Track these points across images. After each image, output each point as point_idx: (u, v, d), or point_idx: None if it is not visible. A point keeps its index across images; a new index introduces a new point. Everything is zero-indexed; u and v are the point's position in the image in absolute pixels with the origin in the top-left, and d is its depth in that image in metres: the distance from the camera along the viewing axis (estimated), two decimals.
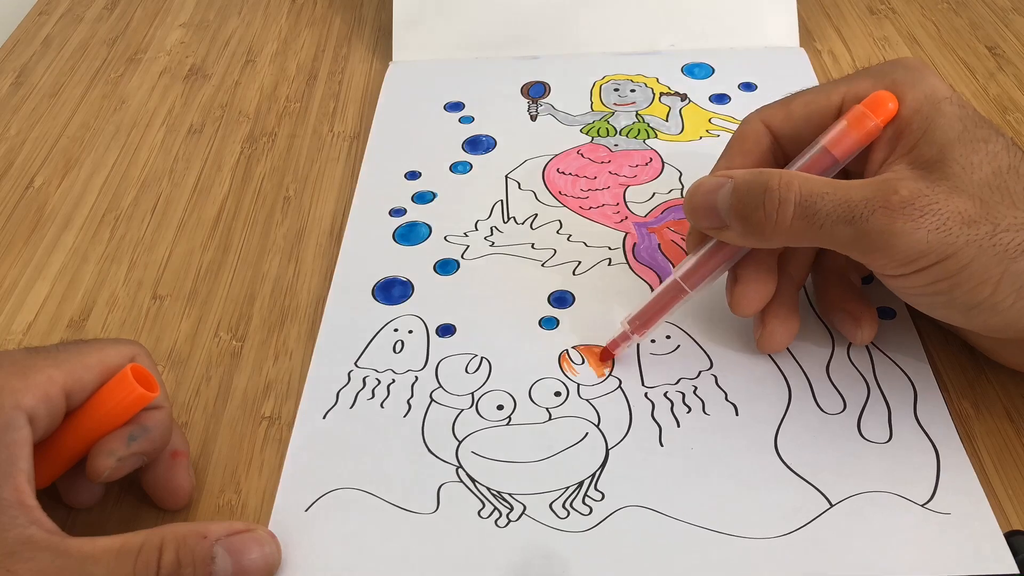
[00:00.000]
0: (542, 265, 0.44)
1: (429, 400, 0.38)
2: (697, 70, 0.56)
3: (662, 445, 0.36)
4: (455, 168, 0.50)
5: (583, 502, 0.34)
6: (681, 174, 0.49)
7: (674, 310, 0.38)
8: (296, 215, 0.48)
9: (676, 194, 0.48)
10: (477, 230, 0.46)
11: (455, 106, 0.54)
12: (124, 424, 0.33)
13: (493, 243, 0.45)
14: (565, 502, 0.34)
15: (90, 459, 0.32)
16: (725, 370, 0.39)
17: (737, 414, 0.37)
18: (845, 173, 0.36)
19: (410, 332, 0.41)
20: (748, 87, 0.54)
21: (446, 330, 0.41)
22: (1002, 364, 0.38)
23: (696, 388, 0.38)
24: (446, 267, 0.44)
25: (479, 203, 0.48)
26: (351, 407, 0.38)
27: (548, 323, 0.41)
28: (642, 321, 0.38)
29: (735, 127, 0.51)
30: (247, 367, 0.41)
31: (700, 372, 0.39)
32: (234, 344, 0.42)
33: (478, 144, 0.52)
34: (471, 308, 0.42)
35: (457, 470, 0.36)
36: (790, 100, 0.38)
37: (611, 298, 0.42)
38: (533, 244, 0.45)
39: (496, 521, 0.34)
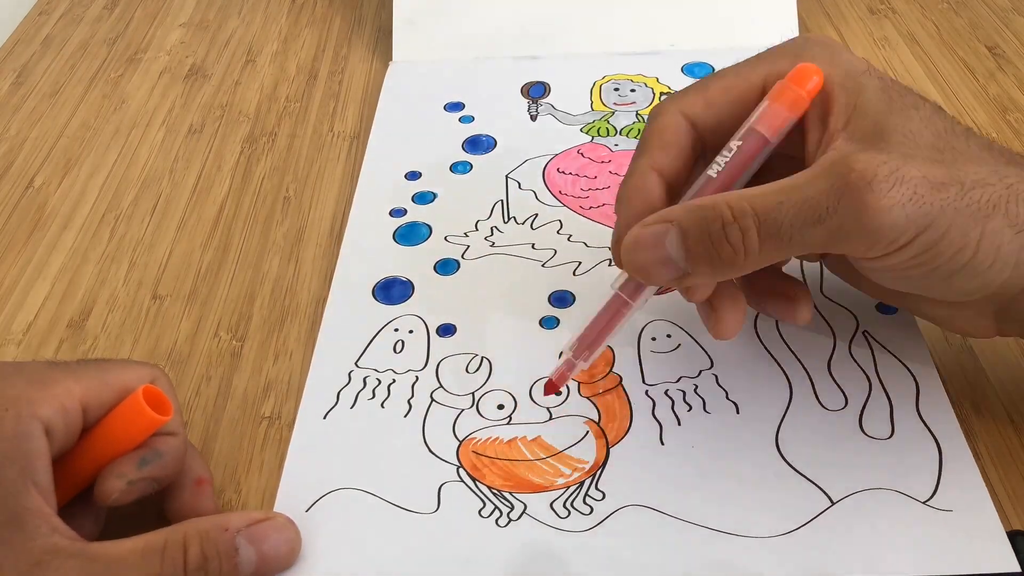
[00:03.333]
0: (542, 265, 0.44)
1: (430, 400, 0.38)
2: (697, 70, 0.56)
3: (663, 444, 0.36)
4: (455, 168, 0.50)
5: (584, 501, 0.34)
6: None
7: (619, 328, 0.34)
8: (296, 215, 0.48)
9: None
10: (477, 230, 0.46)
11: (455, 106, 0.54)
12: (137, 447, 0.32)
13: (493, 243, 0.45)
14: (566, 502, 0.34)
15: (99, 481, 0.32)
16: (726, 368, 0.39)
17: (738, 412, 0.37)
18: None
19: (410, 332, 0.41)
20: None
21: (446, 330, 0.41)
22: (953, 331, 0.36)
23: (697, 386, 0.38)
24: (446, 267, 0.44)
25: (479, 203, 0.48)
26: (351, 407, 0.38)
27: (548, 323, 0.41)
28: (586, 344, 0.34)
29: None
30: (247, 367, 0.41)
31: (701, 371, 0.39)
32: (234, 344, 0.42)
33: (478, 144, 0.52)
34: (471, 308, 0.42)
35: (458, 470, 0.36)
36: (705, 86, 0.35)
37: None
38: (533, 244, 0.45)
39: (497, 521, 0.34)
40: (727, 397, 0.38)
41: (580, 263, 0.44)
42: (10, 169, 0.53)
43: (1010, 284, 0.31)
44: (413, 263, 0.44)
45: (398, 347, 0.40)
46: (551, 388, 0.35)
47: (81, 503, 0.33)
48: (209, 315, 0.43)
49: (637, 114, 0.53)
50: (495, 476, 0.35)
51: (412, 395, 0.38)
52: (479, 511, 0.34)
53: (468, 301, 0.42)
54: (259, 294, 0.44)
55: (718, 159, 0.33)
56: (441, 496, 0.35)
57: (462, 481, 0.35)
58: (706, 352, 0.39)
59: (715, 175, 0.33)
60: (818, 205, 0.30)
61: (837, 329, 0.40)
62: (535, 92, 0.55)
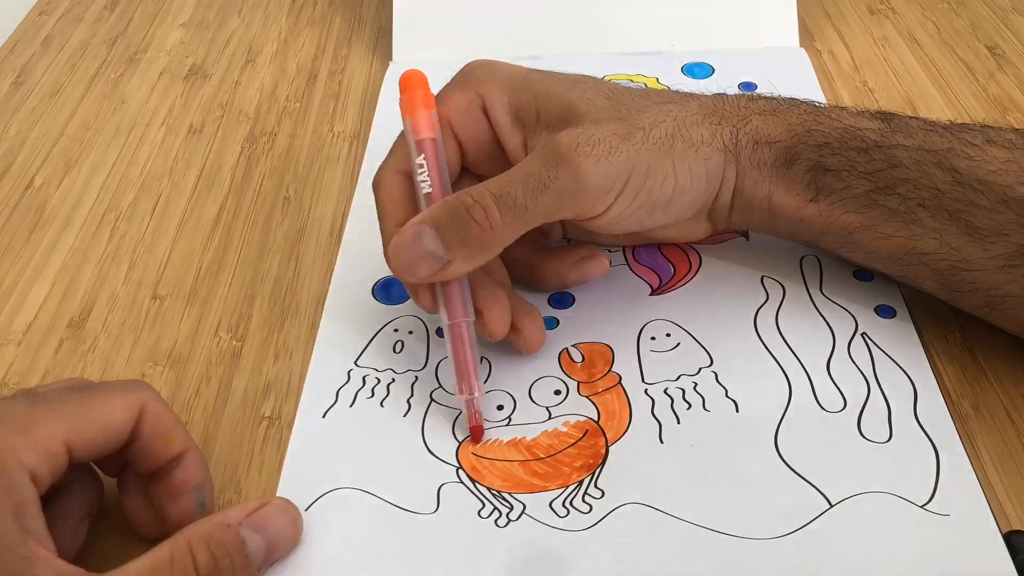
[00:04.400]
0: None
1: (429, 400, 0.38)
2: (697, 70, 0.56)
3: (662, 442, 0.36)
4: None
5: (583, 500, 0.34)
6: None
7: (475, 346, 0.37)
8: (296, 215, 0.48)
9: None
10: None
11: None
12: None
13: None
14: (565, 500, 0.34)
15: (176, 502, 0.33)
16: (725, 367, 0.39)
17: (737, 411, 0.37)
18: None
19: (410, 332, 0.41)
20: (748, 87, 0.54)
21: None
22: (679, 242, 0.43)
23: (696, 384, 0.38)
24: None
25: None
26: (351, 406, 0.38)
27: (548, 323, 0.41)
28: (463, 379, 0.36)
29: None
30: (247, 367, 0.41)
31: (700, 369, 0.39)
32: (234, 344, 0.42)
33: None
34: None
35: (457, 470, 0.36)
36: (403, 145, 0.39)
37: (611, 299, 0.42)
38: None
39: (496, 521, 0.34)
40: (726, 395, 0.38)
41: None
42: (10, 169, 0.53)
43: (709, 192, 0.38)
44: None
45: (398, 347, 0.40)
46: (478, 434, 0.37)
47: (60, 519, 0.32)
48: (209, 315, 0.43)
49: None
50: (494, 477, 0.35)
51: (411, 395, 0.39)
52: (478, 512, 0.34)
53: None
54: (259, 294, 0.44)
55: (419, 179, 0.38)
56: (440, 497, 0.35)
57: (461, 482, 0.35)
58: (705, 350, 0.39)
59: (429, 189, 0.37)
60: (541, 176, 0.35)
61: (836, 330, 0.40)
62: None
